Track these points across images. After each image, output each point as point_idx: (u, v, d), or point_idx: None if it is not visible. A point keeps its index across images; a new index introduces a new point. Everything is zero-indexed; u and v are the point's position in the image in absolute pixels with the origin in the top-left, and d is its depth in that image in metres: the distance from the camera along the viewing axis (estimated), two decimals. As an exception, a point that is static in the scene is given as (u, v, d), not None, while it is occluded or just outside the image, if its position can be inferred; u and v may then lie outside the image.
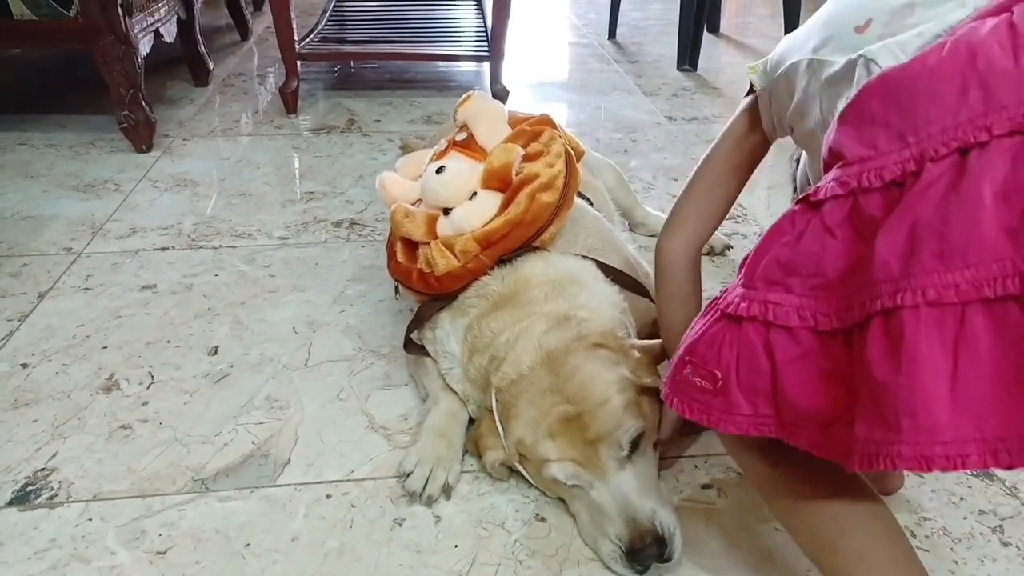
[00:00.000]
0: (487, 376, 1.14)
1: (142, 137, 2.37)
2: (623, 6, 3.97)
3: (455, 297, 1.24)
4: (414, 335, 1.32)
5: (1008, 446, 0.61)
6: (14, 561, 1.01)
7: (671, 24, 3.60)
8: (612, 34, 3.94)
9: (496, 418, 1.10)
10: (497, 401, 1.11)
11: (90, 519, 1.08)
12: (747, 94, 1.08)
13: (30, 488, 1.13)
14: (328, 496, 1.12)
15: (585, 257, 1.26)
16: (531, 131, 1.33)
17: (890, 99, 0.71)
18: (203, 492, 1.12)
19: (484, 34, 3.17)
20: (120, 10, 2.19)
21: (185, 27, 2.86)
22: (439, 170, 1.26)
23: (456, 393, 1.24)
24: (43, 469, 1.16)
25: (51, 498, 1.11)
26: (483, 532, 1.06)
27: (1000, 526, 1.07)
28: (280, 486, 1.14)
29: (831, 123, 0.77)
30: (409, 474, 1.12)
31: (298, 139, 2.54)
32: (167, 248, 1.82)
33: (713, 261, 1.76)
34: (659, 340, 1.17)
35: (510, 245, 1.21)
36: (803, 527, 0.82)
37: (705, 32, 3.48)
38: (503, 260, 1.22)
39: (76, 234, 1.87)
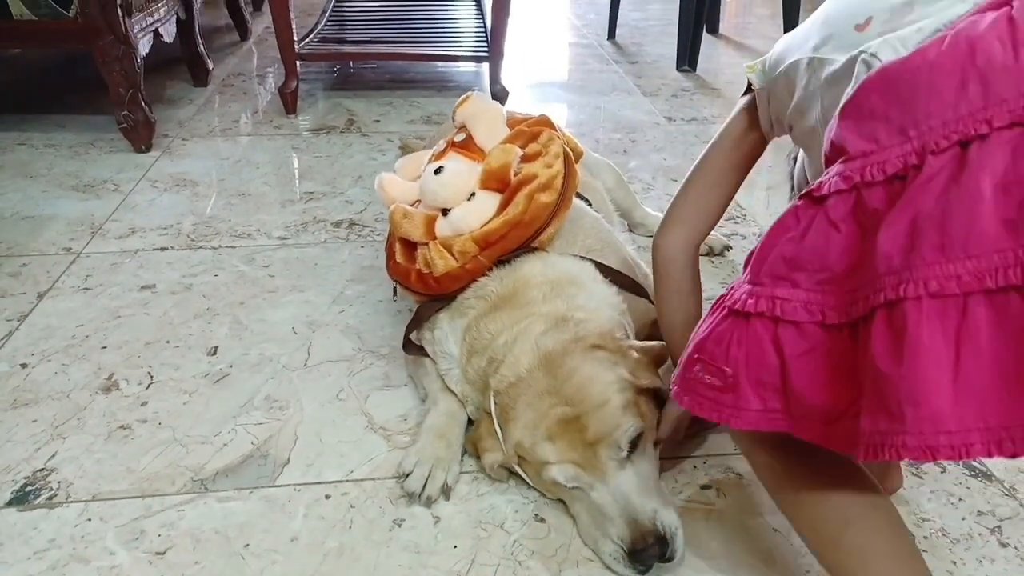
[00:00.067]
0: (486, 378, 1.14)
1: (141, 137, 2.37)
2: (623, 6, 3.97)
3: (454, 298, 1.24)
4: (413, 336, 1.32)
5: (1012, 435, 0.61)
6: (13, 561, 1.01)
7: (671, 25, 3.60)
8: (612, 34, 3.94)
9: (495, 420, 1.10)
10: (496, 403, 1.11)
11: (89, 519, 1.08)
12: (744, 93, 1.08)
13: (29, 488, 1.13)
14: (327, 496, 1.12)
15: (584, 258, 1.26)
16: (529, 132, 1.33)
17: (890, 93, 0.71)
18: (202, 492, 1.13)
19: (483, 34, 3.17)
20: (119, 10, 2.19)
21: (184, 27, 2.86)
22: (438, 171, 1.26)
23: (455, 394, 1.24)
24: (42, 469, 1.16)
25: (50, 498, 1.11)
26: (482, 533, 1.07)
27: (999, 527, 1.07)
28: (279, 486, 1.14)
29: (831, 122, 0.78)
30: (408, 475, 1.12)
31: (297, 139, 2.54)
32: (166, 248, 1.82)
33: (712, 261, 1.76)
34: (658, 341, 1.17)
35: (508, 246, 1.21)
36: (807, 520, 0.82)
37: (704, 33, 3.48)
38: (502, 261, 1.23)
39: (75, 234, 1.87)
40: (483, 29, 3.26)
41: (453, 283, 1.22)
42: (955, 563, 1.02)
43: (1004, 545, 1.04)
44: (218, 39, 3.73)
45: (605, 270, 1.26)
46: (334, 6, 3.50)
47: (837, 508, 0.79)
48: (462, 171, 1.27)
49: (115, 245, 1.83)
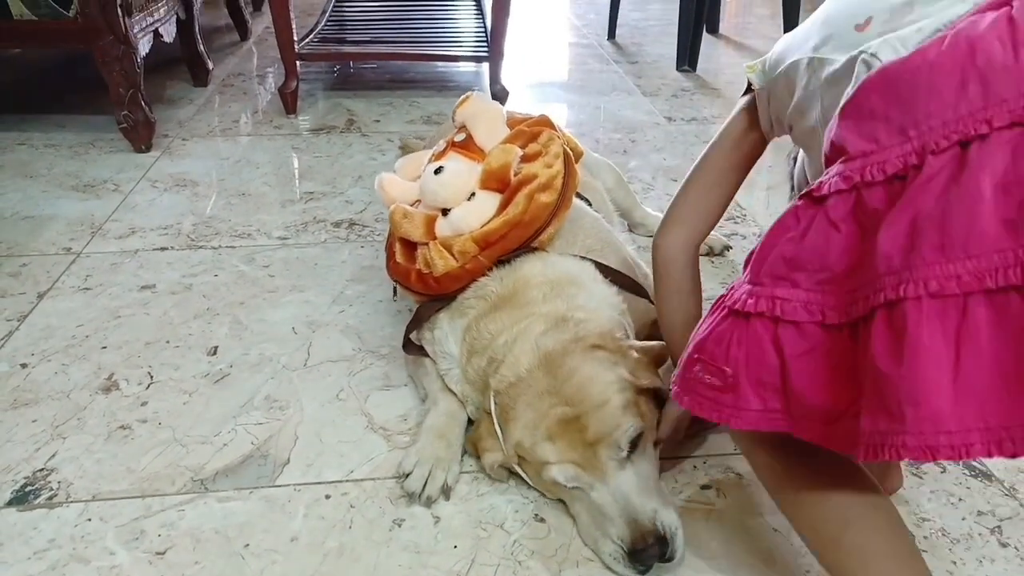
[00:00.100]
0: (485, 378, 1.14)
1: (141, 137, 2.37)
2: (623, 6, 3.97)
3: (454, 298, 1.24)
4: (413, 336, 1.32)
5: (1012, 435, 0.61)
6: (13, 561, 1.01)
7: (671, 25, 3.60)
8: (612, 34, 3.94)
9: (495, 421, 1.10)
10: (496, 404, 1.11)
11: (89, 519, 1.08)
12: (744, 93, 1.08)
13: (29, 488, 1.13)
14: (327, 496, 1.12)
15: (583, 258, 1.26)
16: (529, 132, 1.33)
17: (890, 93, 0.71)
18: (202, 492, 1.13)
19: (483, 34, 3.17)
20: (119, 10, 2.19)
21: (184, 27, 2.86)
22: (438, 171, 1.26)
23: (455, 394, 1.24)
24: (42, 469, 1.16)
25: (50, 498, 1.11)
26: (482, 533, 1.07)
27: (999, 527, 1.07)
28: (279, 486, 1.14)
29: (832, 119, 0.78)
30: (408, 475, 1.12)
31: (297, 139, 2.54)
32: (166, 248, 1.82)
33: (712, 262, 1.76)
34: (658, 341, 1.17)
35: (508, 246, 1.21)
36: (808, 520, 0.82)
37: (704, 33, 3.48)
38: (502, 261, 1.23)
39: (75, 234, 1.87)
40: (483, 29, 3.26)
41: (453, 283, 1.22)
42: (955, 563, 1.02)
43: (1004, 545, 1.04)
44: (218, 39, 3.73)
45: (605, 270, 1.26)
46: (334, 6, 3.50)
47: (837, 508, 0.79)
48: (462, 171, 1.27)
49: (115, 245, 1.83)
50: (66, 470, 1.16)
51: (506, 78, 2.88)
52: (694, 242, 1.12)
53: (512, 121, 1.39)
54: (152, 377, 1.37)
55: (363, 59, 3.20)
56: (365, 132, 2.60)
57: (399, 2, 3.73)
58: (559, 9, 4.82)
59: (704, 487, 1.15)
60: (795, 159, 1.35)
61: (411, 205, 1.32)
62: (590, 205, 1.46)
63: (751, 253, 0.80)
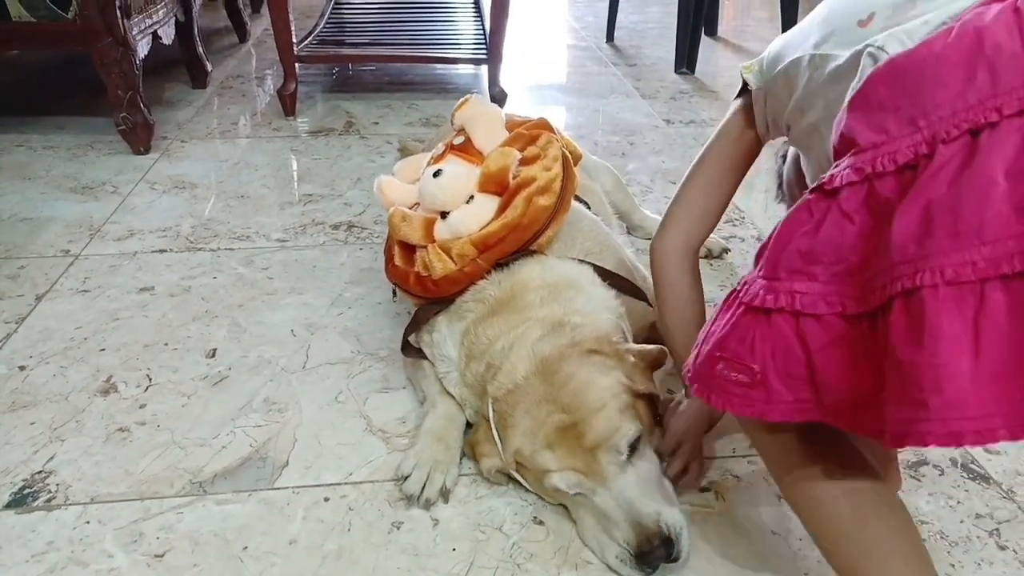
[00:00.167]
0: (483, 384, 1.14)
1: (140, 139, 2.36)
2: (621, 9, 3.97)
3: (452, 301, 1.24)
4: (411, 338, 1.32)
5: None
6: (11, 564, 1.01)
7: (669, 27, 3.61)
8: (610, 37, 3.94)
9: (493, 427, 1.10)
10: (494, 410, 1.11)
11: (88, 522, 1.08)
12: (738, 95, 1.09)
13: (28, 491, 1.13)
14: (326, 499, 1.12)
15: (582, 261, 1.26)
16: (528, 135, 1.33)
17: (897, 84, 0.72)
18: (201, 495, 1.12)
19: (482, 37, 3.17)
20: (118, 12, 2.19)
21: (183, 29, 2.86)
22: (436, 174, 1.26)
23: (453, 397, 1.24)
24: (41, 472, 1.16)
25: (49, 501, 1.11)
26: (481, 535, 1.07)
27: (997, 529, 1.07)
28: (278, 489, 1.14)
29: (838, 114, 0.78)
30: (407, 477, 1.12)
31: (296, 141, 2.54)
32: (165, 250, 1.82)
33: (711, 264, 1.76)
34: (656, 344, 1.17)
35: (507, 249, 1.21)
36: (819, 516, 0.82)
37: (703, 35, 3.48)
38: (500, 264, 1.22)
39: (74, 236, 1.87)
40: (482, 32, 3.26)
41: (451, 286, 1.22)
42: (953, 566, 1.02)
43: (1002, 548, 1.05)
44: (217, 41, 3.73)
45: (604, 273, 1.26)
46: (333, 8, 3.50)
47: (852, 507, 0.79)
48: (461, 174, 1.27)
49: (114, 247, 1.83)
50: (64, 472, 1.16)
51: (505, 81, 2.88)
52: (693, 245, 1.12)
53: (511, 124, 1.39)
54: (151, 379, 1.37)
55: (362, 61, 3.20)
56: (364, 134, 2.60)
57: (398, 4, 3.73)
58: (557, 12, 4.82)
59: (703, 490, 1.15)
60: (783, 157, 1.36)
61: (410, 208, 1.32)
62: (589, 208, 1.46)
63: (761, 248, 0.79)
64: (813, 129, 0.90)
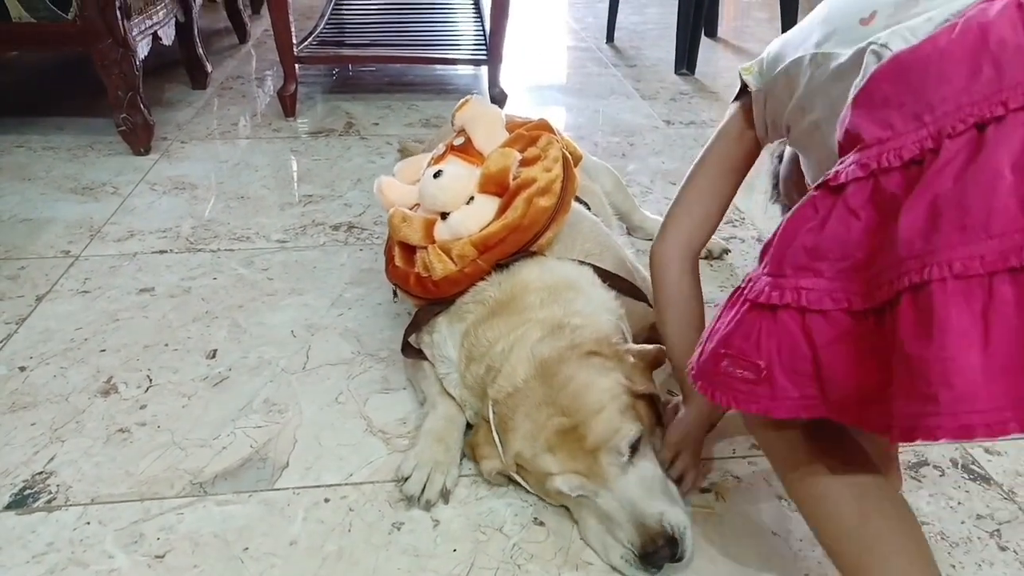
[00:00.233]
0: (484, 386, 1.14)
1: (140, 140, 2.36)
2: (621, 10, 3.97)
3: (452, 302, 1.24)
4: (412, 339, 1.32)
5: None
6: (12, 565, 1.01)
7: (669, 28, 3.61)
8: (610, 38, 3.94)
9: (493, 430, 1.10)
10: (494, 413, 1.11)
11: (88, 523, 1.08)
12: (736, 97, 1.09)
13: (28, 492, 1.13)
14: (326, 500, 1.12)
15: (582, 262, 1.26)
16: (528, 135, 1.33)
17: (902, 80, 0.72)
18: (201, 496, 1.12)
19: (482, 38, 3.17)
20: (118, 13, 2.19)
21: (183, 30, 2.86)
22: (437, 174, 1.26)
23: (453, 398, 1.24)
24: (41, 472, 1.16)
25: (49, 502, 1.11)
26: (481, 536, 1.07)
27: (998, 530, 1.07)
28: (278, 490, 1.14)
29: (842, 112, 0.78)
30: (407, 478, 1.12)
31: (296, 142, 2.54)
32: (165, 251, 1.82)
33: (711, 265, 1.76)
34: (655, 345, 1.17)
35: (507, 250, 1.21)
36: (823, 513, 0.82)
37: (703, 36, 3.48)
38: (500, 265, 1.22)
39: (74, 237, 1.87)
40: (482, 32, 3.26)
41: (452, 287, 1.22)
42: (954, 567, 1.02)
43: (1003, 549, 1.05)
44: (217, 42, 3.73)
45: (604, 274, 1.26)
46: (333, 9, 3.50)
47: (857, 504, 0.79)
48: (461, 175, 1.27)
49: (114, 248, 1.83)
50: (65, 473, 1.16)
51: (505, 81, 2.88)
52: (694, 248, 1.12)
53: (511, 125, 1.39)
54: (151, 380, 1.37)
55: (362, 62, 3.20)
56: (364, 135, 2.60)
57: (398, 5, 3.73)
58: (557, 12, 4.82)
59: (703, 490, 1.15)
60: (779, 158, 1.36)
61: (410, 209, 1.32)
62: (589, 209, 1.46)
63: (766, 245, 0.79)
64: (815, 128, 0.90)
